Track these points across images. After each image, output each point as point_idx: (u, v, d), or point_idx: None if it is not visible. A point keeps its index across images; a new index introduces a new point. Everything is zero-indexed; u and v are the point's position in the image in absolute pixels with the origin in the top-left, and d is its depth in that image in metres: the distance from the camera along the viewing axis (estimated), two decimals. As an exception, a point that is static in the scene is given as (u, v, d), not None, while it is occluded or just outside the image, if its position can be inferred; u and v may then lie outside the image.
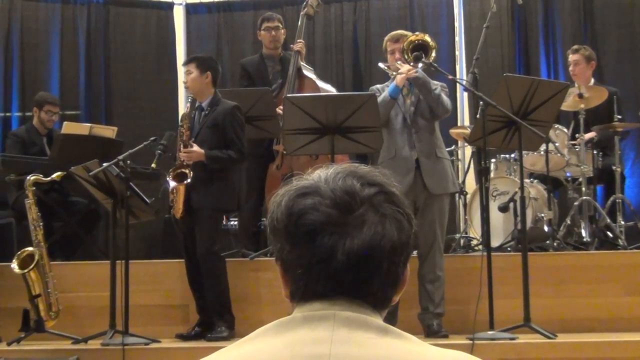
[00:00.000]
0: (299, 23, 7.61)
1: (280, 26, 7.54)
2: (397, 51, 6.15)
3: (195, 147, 6.08)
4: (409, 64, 6.01)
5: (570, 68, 7.63)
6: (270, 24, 7.51)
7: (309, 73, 7.45)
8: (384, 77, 6.40)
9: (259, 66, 7.51)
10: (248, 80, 7.38)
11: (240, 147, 6.19)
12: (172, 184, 6.08)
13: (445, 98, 6.09)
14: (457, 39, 9.09)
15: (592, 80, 7.59)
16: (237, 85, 7.72)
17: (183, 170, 6.06)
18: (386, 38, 6.39)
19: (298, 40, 7.43)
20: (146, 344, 5.82)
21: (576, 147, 7.26)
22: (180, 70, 9.17)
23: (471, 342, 5.34)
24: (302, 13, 7.62)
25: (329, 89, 7.42)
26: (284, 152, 7.08)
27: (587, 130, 7.29)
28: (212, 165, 6.09)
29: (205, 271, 6.09)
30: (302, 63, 7.39)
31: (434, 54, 6.08)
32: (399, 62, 6.11)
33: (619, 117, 7.25)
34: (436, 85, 6.09)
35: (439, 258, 6.02)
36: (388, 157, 6.07)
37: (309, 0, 7.59)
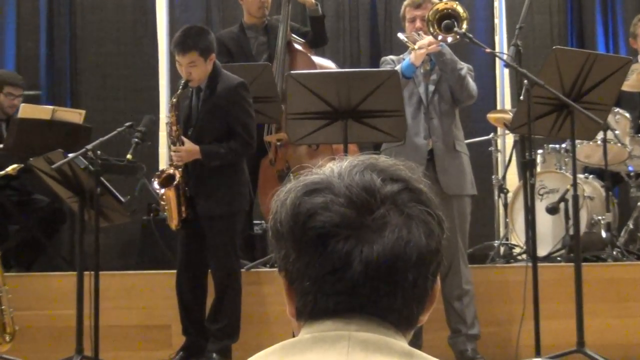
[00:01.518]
0: None
1: None
2: (419, 19, 6.18)
3: (187, 145, 6.07)
4: (435, 37, 6.01)
5: None
6: None
7: (300, 47, 7.48)
8: (401, 50, 6.42)
9: (238, 39, 7.51)
10: (227, 57, 7.24)
11: (246, 136, 6.14)
12: (157, 188, 6.12)
13: (470, 81, 6.14)
14: (496, 4, 9.10)
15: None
16: None
17: (169, 172, 6.08)
18: (405, 2, 6.39)
19: None
20: (120, 372, 5.86)
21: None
22: (162, 41, 9.22)
23: (513, 371, 5.37)
24: None
25: (328, 64, 7.46)
26: (278, 143, 7.11)
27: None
28: (210, 164, 6.09)
29: (222, 290, 6.11)
30: (292, 35, 7.43)
31: (465, 26, 6.09)
32: (420, 33, 6.11)
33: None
34: (462, 65, 6.13)
35: (464, 269, 6.07)
36: (397, 144, 6.09)
37: None
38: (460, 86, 6.10)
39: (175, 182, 6.04)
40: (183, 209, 6.08)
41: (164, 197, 6.10)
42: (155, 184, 6.16)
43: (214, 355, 6.01)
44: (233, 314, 6.12)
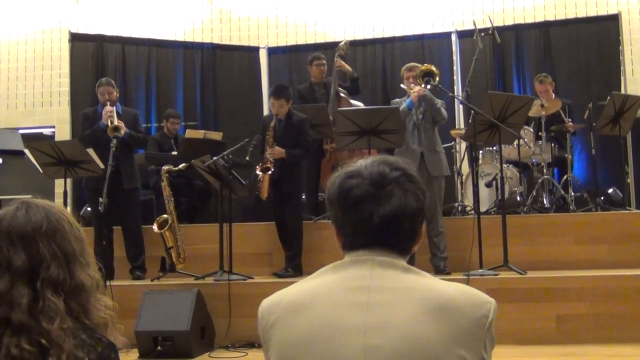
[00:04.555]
0: (335, 58, 7.58)
1: (325, 63, 7.51)
2: (411, 77, 6.13)
3: (278, 148, 6.08)
4: (420, 86, 5.97)
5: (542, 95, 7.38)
6: (319, 62, 7.48)
7: (343, 94, 7.46)
8: (402, 94, 6.35)
9: (309, 91, 7.47)
10: (301, 101, 7.22)
11: (307, 146, 6.20)
12: (259, 174, 6.11)
13: (443, 110, 6.05)
14: (455, 68, 8.96)
15: (553, 95, 7.43)
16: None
17: (267, 165, 6.09)
18: (403, 68, 6.34)
19: (337, 61, 7.39)
20: (244, 279, 5.88)
21: (539, 141, 7.15)
22: (265, 94, 9.22)
23: (467, 277, 5.31)
24: (336, 54, 7.57)
25: (358, 104, 7.43)
26: (332, 149, 7.11)
27: (547, 130, 7.17)
28: (289, 160, 6.07)
29: (293, 232, 6.14)
30: (338, 88, 7.36)
31: (437, 78, 6.04)
32: (412, 84, 6.07)
33: (570, 120, 7.14)
34: (438, 101, 6.05)
35: (440, 220, 5.99)
36: (402, 149, 6.01)
37: (340, 45, 7.58)
38: (437, 113, 6.01)
39: (270, 171, 6.04)
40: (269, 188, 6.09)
41: (260, 178, 6.09)
42: (258, 171, 6.17)
43: (289, 269, 6.02)
44: (299, 244, 6.14)
